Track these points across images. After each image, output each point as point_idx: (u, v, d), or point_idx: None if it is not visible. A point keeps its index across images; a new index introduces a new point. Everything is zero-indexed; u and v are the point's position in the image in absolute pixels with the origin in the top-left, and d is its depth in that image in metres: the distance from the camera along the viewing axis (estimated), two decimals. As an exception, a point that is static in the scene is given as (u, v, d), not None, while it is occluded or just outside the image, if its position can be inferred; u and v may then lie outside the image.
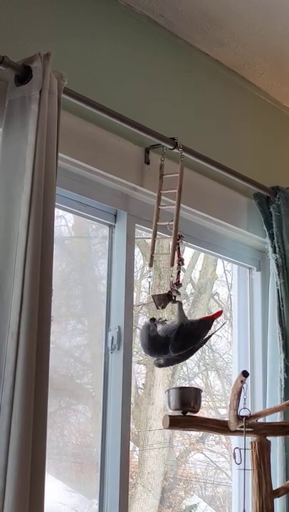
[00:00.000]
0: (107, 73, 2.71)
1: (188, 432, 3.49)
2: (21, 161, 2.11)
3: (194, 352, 2.55)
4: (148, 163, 2.74)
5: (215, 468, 3.79)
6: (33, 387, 1.94)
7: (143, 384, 3.62)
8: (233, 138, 3.24)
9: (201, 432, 3.48)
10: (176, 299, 2.51)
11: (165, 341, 2.43)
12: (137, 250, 3.14)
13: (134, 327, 2.73)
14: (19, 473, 1.87)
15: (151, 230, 2.62)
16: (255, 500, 2.40)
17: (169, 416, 2.39)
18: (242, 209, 3.16)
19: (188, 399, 2.41)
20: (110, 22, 2.76)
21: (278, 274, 3.04)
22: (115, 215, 2.74)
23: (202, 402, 2.46)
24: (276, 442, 2.83)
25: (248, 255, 3.27)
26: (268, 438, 2.47)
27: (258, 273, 3.27)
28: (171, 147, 2.71)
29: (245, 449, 2.42)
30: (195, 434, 3.67)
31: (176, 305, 2.50)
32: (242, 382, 2.36)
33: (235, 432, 2.46)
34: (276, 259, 3.07)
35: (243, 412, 2.40)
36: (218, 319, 2.60)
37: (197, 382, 3.76)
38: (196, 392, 2.44)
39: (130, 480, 2.71)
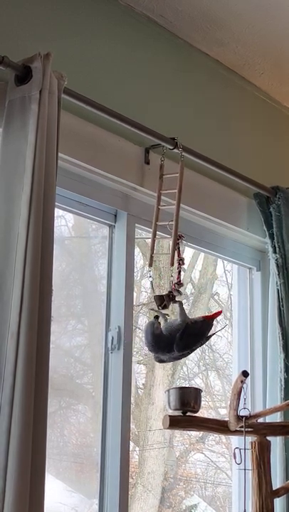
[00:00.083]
0: (107, 73, 2.71)
1: (188, 431, 3.49)
2: (21, 161, 2.11)
3: (194, 350, 2.56)
4: (148, 163, 2.74)
5: (215, 468, 3.79)
6: (33, 387, 1.94)
7: (143, 384, 3.62)
8: (233, 138, 3.24)
9: (201, 432, 3.48)
10: (177, 299, 2.52)
11: (168, 339, 2.44)
12: (137, 250, 3.14)
13: (134, 327, 2.73)
14: (19, 473, 1.87)
15: (152, 230, 2.62)
16: (255, 500, 2.40)
17: (169, 416, 2.39)
18: (242, 209, 3.16)
19: (188, 399, 2.41)
20: (110, 22, 2.76)
21: (278, 274, 3.04)
22: (115, 215, 2.74)
23: (202, 402, 2.46)
24: (276, 442, 2.83)
25: (248, 255, 3.27)
26: (268, 438, 2.47)
27: (258, 273, 3.27)
28: (171, 147, 2.71)
29: (245, 449, 2.42)
30: (195, 434, 3.67)
31: (176, 305, 2.51)
32: (242, 382, 2.36)
33: (235, 432, 2.46)
34: (276, 259, 3.07)
35: (243, 412, 2.40)
36: (218, 319, 2.60)
37: (197, 382, 3.76)
38: (196, 392, 2.44)
39: (130, 480, 2.71)
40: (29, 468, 1.89)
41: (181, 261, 2.55)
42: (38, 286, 2.01)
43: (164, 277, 3.35)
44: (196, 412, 2.43)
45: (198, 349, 2.60)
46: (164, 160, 2.71)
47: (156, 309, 2.48)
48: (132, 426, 3.08)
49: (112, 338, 2.61)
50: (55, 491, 2.71)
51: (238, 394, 2.39)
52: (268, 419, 2.78)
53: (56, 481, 2.74)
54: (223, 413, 3.59)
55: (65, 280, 2.89)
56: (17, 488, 1.86)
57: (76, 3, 2.64)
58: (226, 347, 3.69)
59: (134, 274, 2.76)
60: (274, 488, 2.44)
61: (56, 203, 2.18)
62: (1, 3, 2.37)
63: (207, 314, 2.58)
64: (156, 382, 3.60)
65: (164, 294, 2.51)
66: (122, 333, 2.61)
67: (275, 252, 3.08)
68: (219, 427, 2.48)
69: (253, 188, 3.14)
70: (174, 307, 2.56)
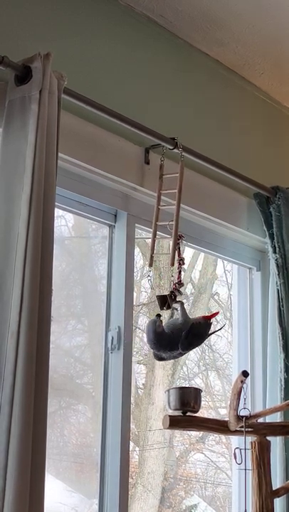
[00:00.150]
0: (107, 73, 2.71)
1: (188, 431, 3.49)
2: (21, 161, 2.11)
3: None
4: (148, 163, 2.74)
5: (215, 468, 3.79)
6: (33, 387, 1.94)
7: (143, 384, 3.62)
8: (233, 138, 3.24)
9: (201, 432, 3.48)
10: (178, 299, 2.52)
11: (171, 338, 2.45)
12: (137, 250, 3.15)
13: (134, 327, 2.73)
14: (19, 472, 1.87)
15: (152, 230, 2.62)
16: (255, 500, 2.40)
17: (169, 416, 2.39)
18: (242, 209, 3.16)
19: (188, 399, 2.41)
20: (110, 22, 2.76)
21: (278, 274, 3.04)
22: (115, 215, 2.74)
23: (202, 402, 2.46)
24: (276, 442, 2.83)
25: (248, 255, 3.27)
26: (268, 438, 2.47)
27: (258, 273, 3.27)
28: (171, 147, 2.71)
29: (245, 449, 2.42)
30: (195, 434, 3.67)
31: (178, 304, 2.51)
32: (242, 382, 2.36)
33: (235, 432, 2.46)
34: (276, 259, 3.07)
35: (243, 412, 2.40)
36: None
37: (197, 382, 3.76)
38: (196, 392, 2.44)
39: (130, 480, 2.72)
40: (29, 468, 1.89)
41: (181, 261, 2.56)
42: (38, 286, 2.01)
43: (164, 277, 3.35)
44: (196, 412, 2.43)
45: (198, 349, 2.61)
46: (164, 160, 2.71)
47: (161, 310, 2.50)
48: (132, 426, 3.08)
49: (112, 338, 2.61)
50: (55, 491, 2.71)
51: (238, 394, 2.39)
52: (268, 419, 2.78)
53: (56, 481, 2.74)
54: (223, 413, 3.59)
55: (65, 280, 2.89)
56: (17, 487, 1.86)
57: (76, 3, 2.64)
58: (226, 347, 3.69)
59: (134, 274, 2.76)
60: (274, 488, 2.44)
61: (56, 203, 2.18)
62: (1, 3, 2.37)
63: (206, 315, 2.58)
64: (156, 382, 3.60)
65: (166, 293, 2.52)
66: (122, 333, 2.61)
67: (275, 252, 3.08)
68: (219, 427, 2.48)
69: (253, 188, 3.14)
70: (173, 307, 2.57)
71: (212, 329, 2.57)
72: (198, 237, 3.03)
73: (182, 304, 2.52)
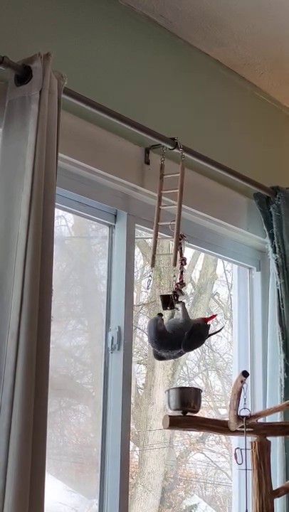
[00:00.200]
0: (107, 73, 2.71)
1: (188, 432, 3.49)
2: (21, 161, 2.11)
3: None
4: (148, 163, 2.74)
5: (215, 468, 3.79)
6: (33, 387, 1.94)
7: (143, 384, 3.62)
8: (233, 138, 3.24)
9: (201, 432, 3.48)
10: (179, 299, 2.52)
11: (172, 337, 2.45)
12: (137, 250, 3.15)
13: (134, 327, 2.73)
14: (19, 472, 1.87)
15: (152, 230, 2.62)
16: (255, 500, 2.40)
17: (169, 416, 2.39)
18: (242, 209, 3.16)
19: (188, 399, 2.41)
20: (110, 22, 2.76)
21: (278, 274, 3.04)
22: (115, 215, 2.74)
23: (202, 402, 2.46)
24: (276, 442, 2.83)
25: (248, 255, 3.27)
26: (268, 438, 2.47)
27: (258, 273, 3.27)
28: (171, 147, 2.71)
29: (245, 449, 2.42)
30: (195, 434, 3.67)
31: (179, 305, 2.52)
32: (242, 382, 2.36)
33: (235, 432, 2.46)
34: (276, 259, 3.07)
35: (243, 412, 2.40)
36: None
37: (197, 382, 3.77)
38: (196, 392, 2.44)
39: (130, 480, 2.71)
40: (29, 468, 1.89)
41: (183, 261, 2.56)
42: (38, 287, 2.01)
43: (164, 277, 3.35)
44: (196, 412, 2.43)
45: (198, 349, 2.62)
46: (164, 160, 2.71)
47: (164, 310, 2.50)
48: (132, 426, 3.08)
49: (112, 338, 2.61)
50: (55, 491, 2.71)
51: (238, 394, 2.39)
52: (268, 419, 2.78)
53: (56, 481, 2.75)
54: (223, 413, 3.59)
55: (65, 280, 2.89)
56: (17, 488, 1.86)
57: (76, 3, 2.64)
58: (226, 347, 3.70)
59: (134, 274, 2.76)
60: (274, 488, 2.44)
61: (56, 203, 2.18)
62: (1, 3, 2.37)
63: (205, 317, 2.59)
64: (156, 382, 3.60)
65: (170, 293, 2.52)
66: (122, 333, 2.61)
67: (275, 252, 3.08)
68: (219, 427, 2.48)
69: (253, 188, 3.14)
70: (175, 307, 2.57)
71: (211, 330, 2.57)
72: (198, 237, 3.03)
73: (183, 304, 2.52)
